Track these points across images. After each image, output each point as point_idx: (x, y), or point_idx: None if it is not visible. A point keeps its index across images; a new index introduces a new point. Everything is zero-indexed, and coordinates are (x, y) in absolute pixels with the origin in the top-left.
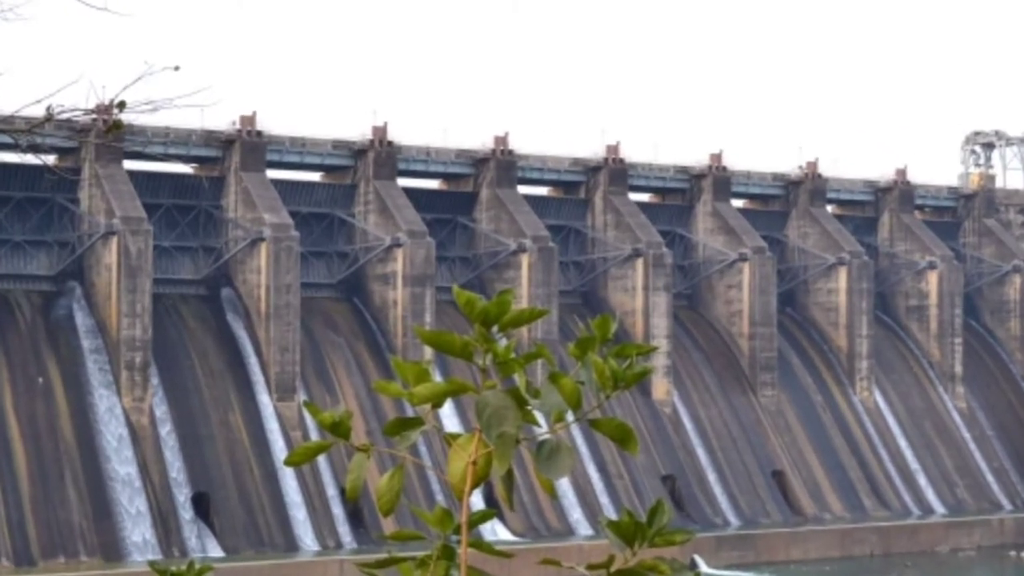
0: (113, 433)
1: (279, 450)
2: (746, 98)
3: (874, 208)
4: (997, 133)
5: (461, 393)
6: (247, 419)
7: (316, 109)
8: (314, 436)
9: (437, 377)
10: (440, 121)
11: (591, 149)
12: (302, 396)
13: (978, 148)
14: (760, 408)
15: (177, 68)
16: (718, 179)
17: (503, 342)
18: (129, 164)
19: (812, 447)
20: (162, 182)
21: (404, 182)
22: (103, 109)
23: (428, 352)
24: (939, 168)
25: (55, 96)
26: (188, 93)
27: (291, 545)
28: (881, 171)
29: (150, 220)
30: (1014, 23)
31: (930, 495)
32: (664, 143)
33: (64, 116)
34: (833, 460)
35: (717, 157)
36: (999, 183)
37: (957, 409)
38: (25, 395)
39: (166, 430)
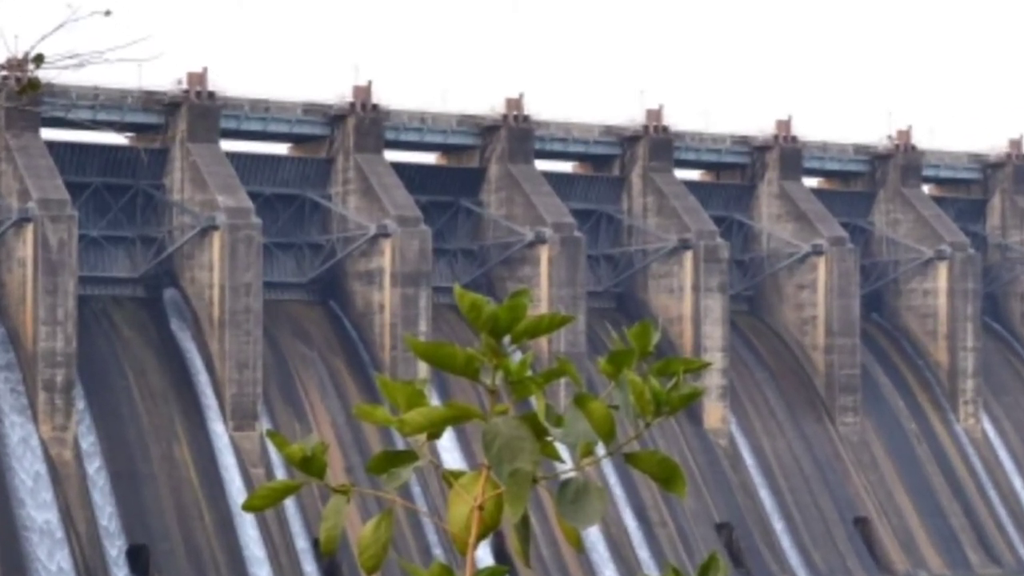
0: (28, 471)
1: (236, 492)
2: (821, 53)
3: (982, 188)
4: None
5: (464, 420)
6: (196, 453)
7: (282, 65)
8: (280, 474)
9: (434, 400)
10: (438, 80)
11: (627, 115)
12: (265, 424)
13: None
14: (839, 439)
15: (108, 13)
16: (786, 152)
17: (517, 356)
18: (48, 133)
19: (904, 487)
20: (90, 156)
21: (393, 156)
22: (15, 64)
23: (423, 369)
24: None
25: None
26: (122, 45)
27: None
28: (990, 142)
29: (74, 204)
30: None
31: None
32: (718, 107)
33: None
34: (930, 504)
35: (785, 125)
36: None
37: None
38: None
39: (94, 467)
